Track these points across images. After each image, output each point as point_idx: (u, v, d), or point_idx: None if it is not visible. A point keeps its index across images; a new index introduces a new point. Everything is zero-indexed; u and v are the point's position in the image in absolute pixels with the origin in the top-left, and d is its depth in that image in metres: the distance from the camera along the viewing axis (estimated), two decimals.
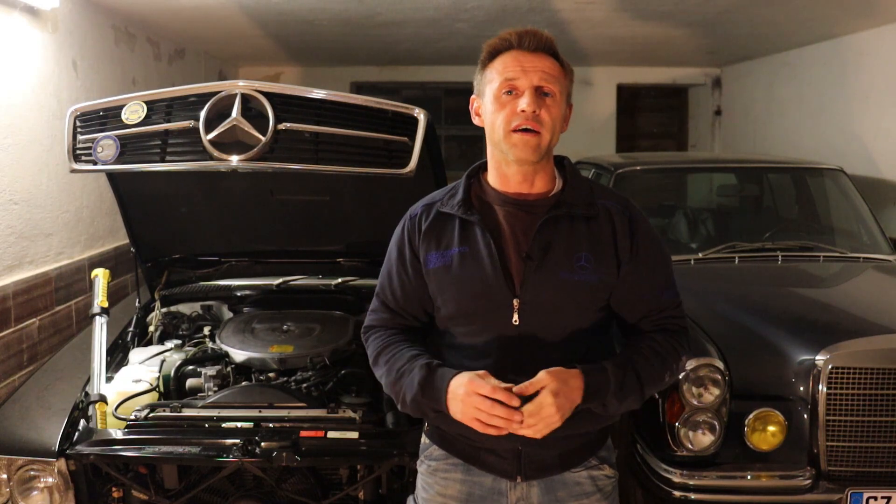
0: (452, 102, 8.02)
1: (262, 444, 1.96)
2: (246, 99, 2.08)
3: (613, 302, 1.51)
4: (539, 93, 1.43)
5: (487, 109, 1.48)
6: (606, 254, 1.48)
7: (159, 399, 2.33)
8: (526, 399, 1.36)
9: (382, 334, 1.57)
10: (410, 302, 1.56)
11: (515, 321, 1.44)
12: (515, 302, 1.44)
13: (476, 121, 1.54)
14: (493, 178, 1.53)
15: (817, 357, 2.40)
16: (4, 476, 2.00)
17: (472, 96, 1.54)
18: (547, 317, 1.45)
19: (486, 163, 1.56)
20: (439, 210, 1.53)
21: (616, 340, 1.59)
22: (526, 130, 1.42)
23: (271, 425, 2.06)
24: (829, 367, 2.38)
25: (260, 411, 2.14)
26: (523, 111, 1.42)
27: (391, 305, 1.58)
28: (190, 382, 2.42)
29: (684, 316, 1.57)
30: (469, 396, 1.36)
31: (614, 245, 1.49)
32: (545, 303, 1.45)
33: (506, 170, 1.50)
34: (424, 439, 1.64)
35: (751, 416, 2.40)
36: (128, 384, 2.33)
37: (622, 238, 1.49)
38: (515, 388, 1.36)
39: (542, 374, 1.37)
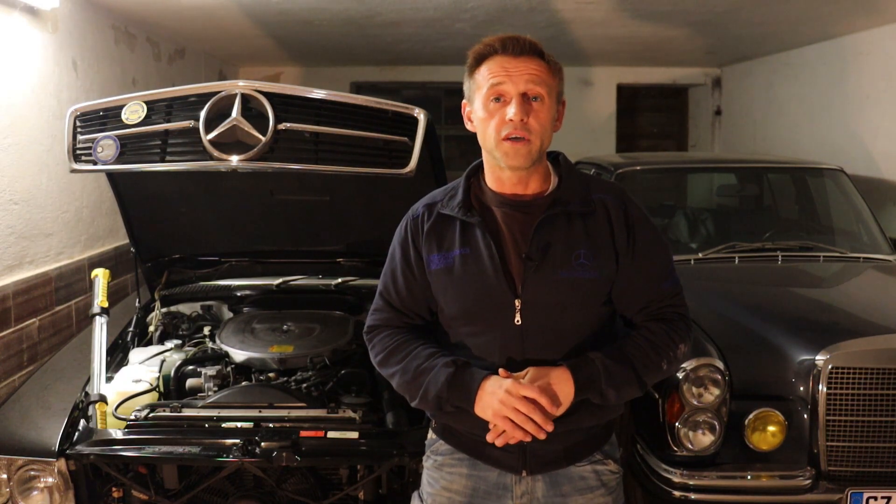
0: (452, 102, 8.01)
1: (262, 444, 1.96)
2: (246, 99, 2.08)
3: (613, 294, 1.52)
4: (526, 99, 1.44)
5: (477, 116, 1.50)
6: (605, 248, 1.49)
7: (159, 399, 2.33)
8: None
9: (390, 334, 1.57)
10: (416, 301, 1.57)
11: (517, 321, 1.46)
12: (517, 302, 1.46)
13: (469, 126, 1.55)
14: (489, 179, 1.55)
15: (817, 357, 2.40)
16: (4, 476, 2.00)
17: (464, 101, 1.56)
18: (548, 315, 1.47)
19: (482, 163, 1.57)
20: (440, 212, 1.54)
21: (620, 334, 1.60)
22: (516, 139, 1.43)
23: (271, 425, 2.06)
24: (829, 367, 2.38)
25: (260, 411, 2.14)
26: (511, 120, 1.43)
27: (396, 305, 1.59)
28: (190, 382, 2.42)
29: (684, 304, 1.58)
30: (509, 396, 1.39)
31: (612, 238, 1.50)
32: (546, 302, 1.46)
33: (500, 174, 1.52)
34: (431, 434, 1.65)
35: (751, 416, 2.40)
36: (128, 384, 2.32)
37: (619, 230, 1.50)
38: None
39: (529, 371, 1.43)
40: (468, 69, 1.51)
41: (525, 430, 1.40)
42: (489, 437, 1.45)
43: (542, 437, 1.41)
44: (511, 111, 1.42)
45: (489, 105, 1.46)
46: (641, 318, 1.54)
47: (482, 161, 1.58)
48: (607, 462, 1.57)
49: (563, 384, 1.42)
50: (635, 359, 1.47)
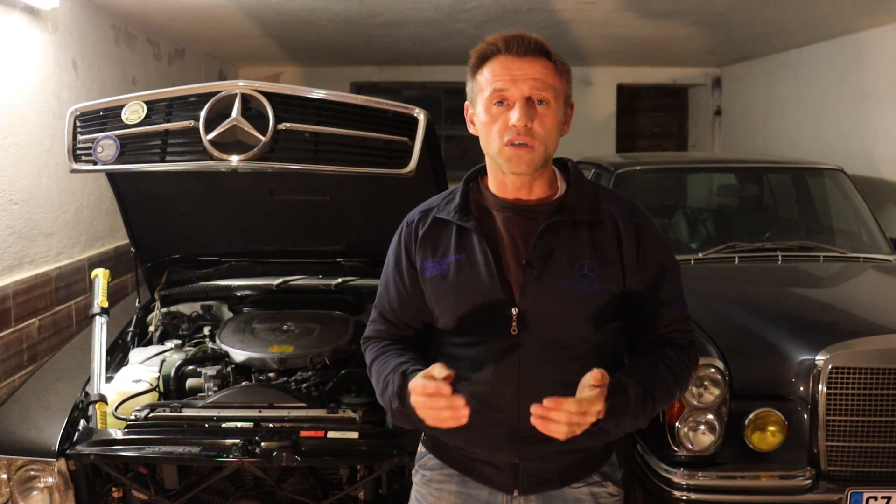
0: (452, 102, 8.01)
1: (262, 444, 1.96)
2: (246, 99, 2.08)
3: (619, 313, 1.46)
4: (531, 103, 1.37)
5: (480, 119, 1.43)
6: (611, 262, 1.42)
7: (159, 399, 2.33)
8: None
9: (377, 344, 1.54)
10: (408, 312, 1.52)
11: (514, 330, 1.40)
12: (514, 311, 1.39)
13: (471, 129, 1.48)
14: (491, 183, 1.48)
15: (817, 357, 2.40)
16: (4, 476, 2.00)
17: (466, 103, 1.49)
18: (546, 326, 1.40)
19: (485, 167, 1.52)
20: (436, 216, 1.48)
21: (624, 350, 1.55)
22: (519, 145, 1.37)
23: (271, 425, 2.06)
24: (829, 367, 2.38)
25: (260, 411, 2.14)
26: (514, 126, 1.36)
27: (388, 317, 1.54)
28: (190, 382, 2.42)
29: (692, 329, 1.52)
30: (416, 399, 1.32)
31: (619, 253, 1.43)
32: (545, 312, 1.39)
33: (503, 178, 1.45)
34: (420, 448, 1.60)
35: (751, 416, 2.40)
36: (128, 384, 2.33)
37: (628, 246, 1.43)
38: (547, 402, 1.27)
39: (585, 384, 1.29)
40: (470, 69, 1.44)
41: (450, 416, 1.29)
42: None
43: (463, 421, 1.28)
44: (514, 116, 1.36)
45: (492, 109, 1.39)
46: (649, 340, 1.48)
47: (484, 165, 1.52)
48: (606, 484, 1.50)
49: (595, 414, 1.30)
50: (657, 390, 1.39)
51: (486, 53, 1.41)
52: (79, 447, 2.00)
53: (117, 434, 2.06)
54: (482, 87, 1.41)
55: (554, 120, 1.39)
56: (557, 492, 1.47)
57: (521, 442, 1.42)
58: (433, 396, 1.29)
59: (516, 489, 1.46)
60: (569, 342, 1.41)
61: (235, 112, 2.06)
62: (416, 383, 1.32)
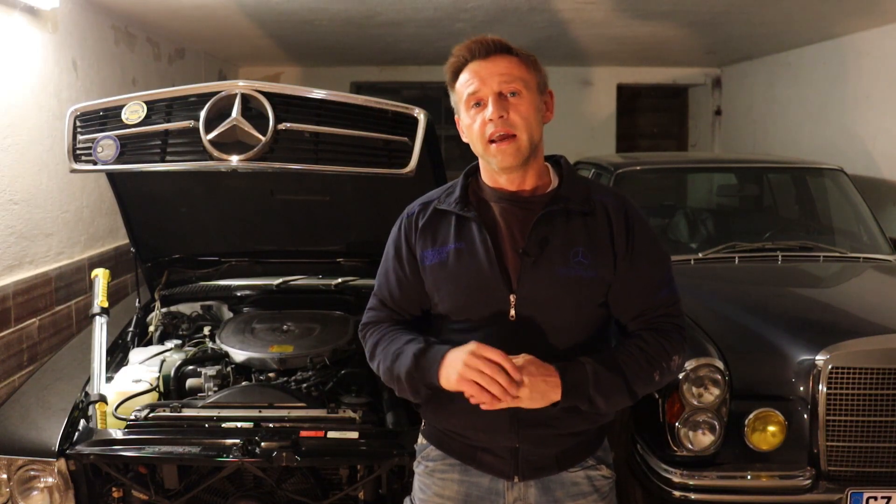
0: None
1: (262, 444, 1.96)
2: (246, 99, 2.08)
3: (610, 298, 1.51)
4: (503, 97, 1.45)
5: (465, 124, 1.52)
6: (603, 249, 1.49)
7: (159, 399, 2.33)
8: None
9: (379, 328, 1.59)
10: (408, 300, 1.57)
11: (512, 316, 1.46)
12: (512, 297, 1.46)
13: (463, 137, 1.56)
14: (486, 178, 1.56)
15: (817, 357, 2.41)
16: (4, 476, 2.00)
17: (455, 116, 1.57)
18: (543, 312, 1.46)
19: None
20: (436, 207, 1.55)
21: (614, 337, 1.59)
22: (502, 139, 1.44)
23: (271, 425, 2.07)
24: (829, 367, 2.38)
25: (260, 411, 2.14)
26: (491, 120, 1.44)
27: (388, 304, 1.60)
28: (190, 382, 2.42)
29: (681, 315, 1.56)
30: (473, 358, 1.35)
31: (611, 241, 1.49)
32: (541, 298, 1.46)
33: (496, 176, 1.53)
34: (421, 439, 1.64)
35: (751, 416, 2.40)
36: (128, 384, 2.33)
37: (619, 234, 1.50)
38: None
39: (523, 357, 1.39)
40: (448, 84, 1.53)
41: (492, 394, 1.35)
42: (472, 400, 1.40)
43: (507, 401, 1.35)
44: (489, 111, 1.44)
45: (470, 111, 1.48)
46: (637, 326, 1.53)
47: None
48: (600, 467, 1.57)
49: (549, 386, 1.39)
50: (626, 368, 1.45)
51: (456, 66, 1.51)
52: (79, 447, 2.00)
53: (117, 434, 2.06)
54: (460, 95, 1.50)
55: (529, 107, 1.47)
56: (555, 476, 1.53)
57: (520, 425, 1.47)
58: (493, 365, 1.34)
59: (516, 475, 1.51)
60: (564, 325, 1.48)
61: (235, 112, 2.06)
62: (487, 348, 1.36)
